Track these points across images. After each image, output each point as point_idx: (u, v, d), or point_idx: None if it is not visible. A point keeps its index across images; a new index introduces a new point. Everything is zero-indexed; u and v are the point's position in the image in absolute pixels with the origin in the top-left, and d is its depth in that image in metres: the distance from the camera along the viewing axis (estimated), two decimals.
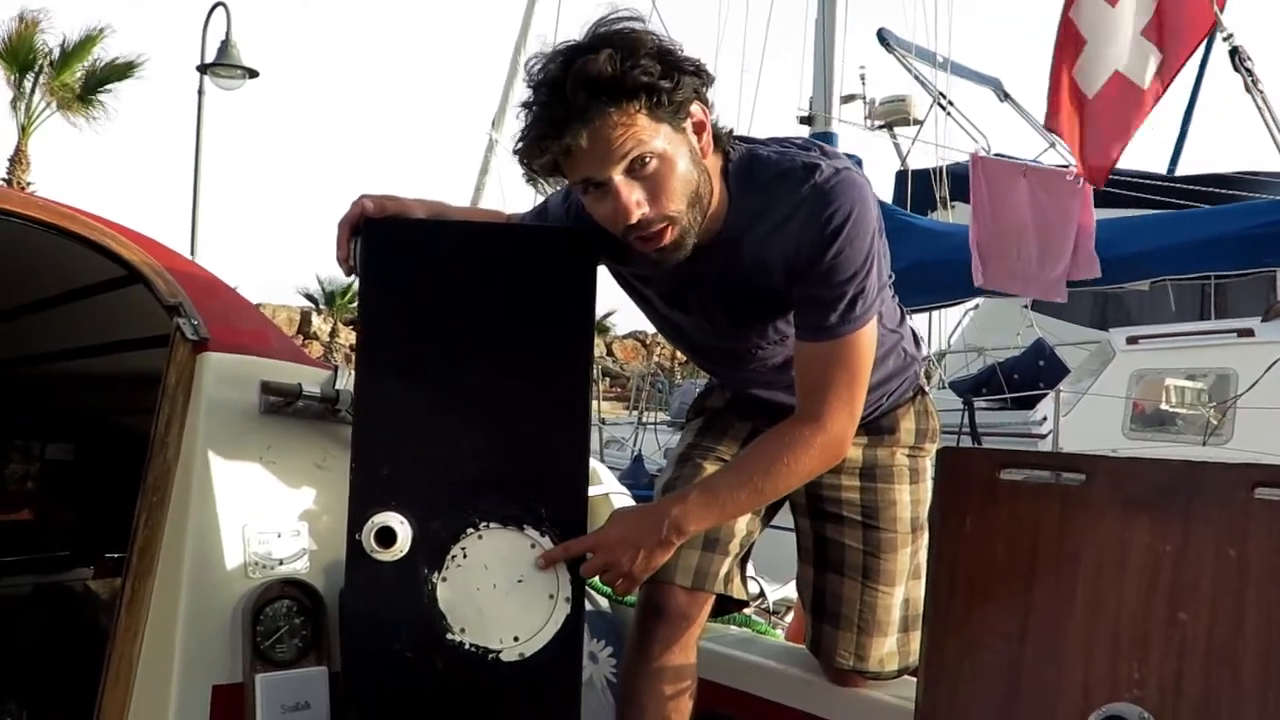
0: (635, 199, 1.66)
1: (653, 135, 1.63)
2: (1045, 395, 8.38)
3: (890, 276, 1.97)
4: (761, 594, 2.76)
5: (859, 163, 8.80)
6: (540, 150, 1.65)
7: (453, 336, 1.81)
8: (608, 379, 20.06)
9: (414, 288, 1.81)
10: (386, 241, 1.80)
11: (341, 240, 1.80)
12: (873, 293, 1.76)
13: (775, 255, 1.76)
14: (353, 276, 1.83)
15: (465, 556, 1.77)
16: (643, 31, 1.64)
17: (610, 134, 1.61)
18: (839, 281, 1.73)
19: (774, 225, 1.75)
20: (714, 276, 1.83)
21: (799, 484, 1.91)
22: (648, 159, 1.64)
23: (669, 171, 1.66)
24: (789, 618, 2.74)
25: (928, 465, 2.14)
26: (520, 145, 1.68)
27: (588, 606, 2.49)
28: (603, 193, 1.67)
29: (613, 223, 1.69)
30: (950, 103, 10.85)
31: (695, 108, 1.69)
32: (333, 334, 23.19)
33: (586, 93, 1.59)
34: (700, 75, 1.69)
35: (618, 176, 1.65)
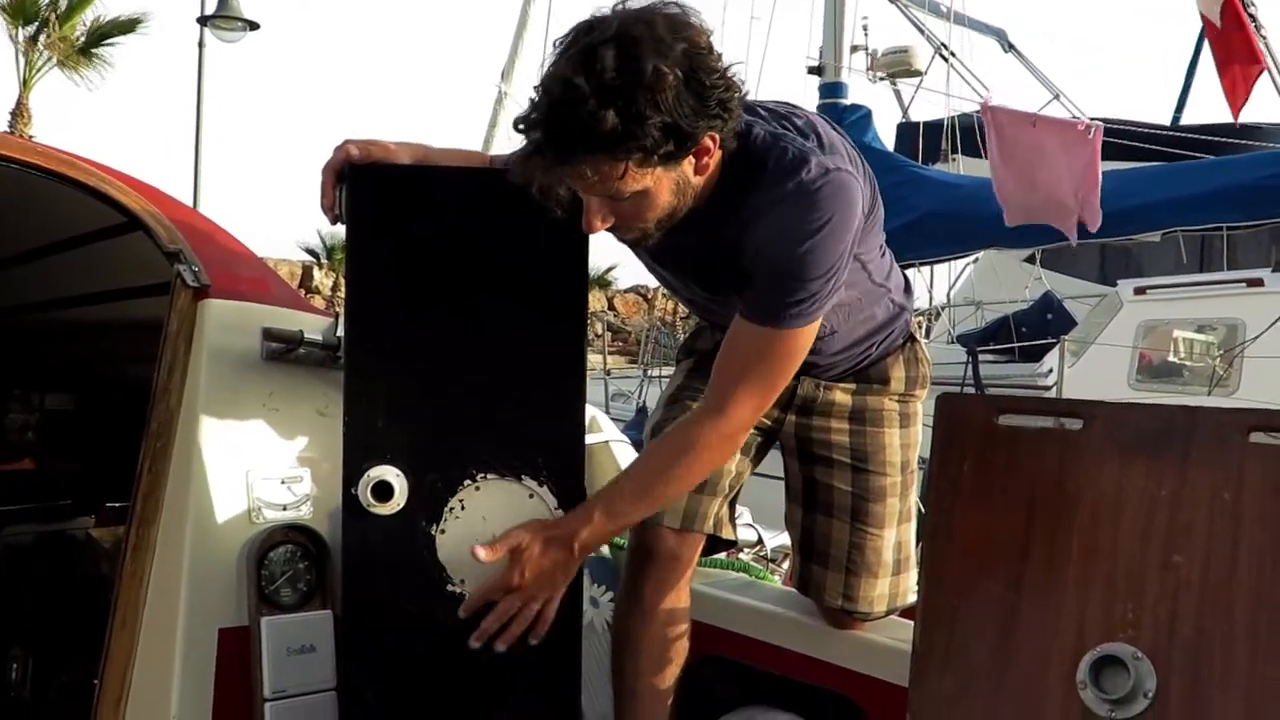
0: (600, 217, 1.65)
1: (638, 180, 1.59)
2: (1053, 347, 8.37)
3: (881, 235, 1.96)
4: (760, 541, 2.78)
5: (868, 115, 8.75)
6: (533, 176, 1.63)
7: (443, 284, 1.79)
8: (610, 333, 20.05)
9: (402, 235, 1.78)
10: (372, 188, 1.77)
11: (326, 187, 1.77)
12: (825, 297, 1.73)
13: (748, 238, 1.74)
14: (339, 224, 1.80)
15: (463, 508, 1.77)
16: (669, 70, 1.51)
17: (595, 175, 1.58)
18: (796, 279, 1.70)
19: (753, 211, 1.72)
20: (692, 246, 1.82)
21: (698, 481, 1.89)
22: (626, 195, 1.61)
23: (646, 205, 1.64)
24: (786, 564, 2.75)
25: (918, 410, 2.15)
26: (516, 166, 1.65)
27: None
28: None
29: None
30: (952, 53, 10.76)
31: (705, 140, 1.62)
32: (335, 288, 23.13)
33: (582, 146, 1.54)
34: (725, 109, 1.60)
35: (592, 199, 1.64)
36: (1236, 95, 7.10)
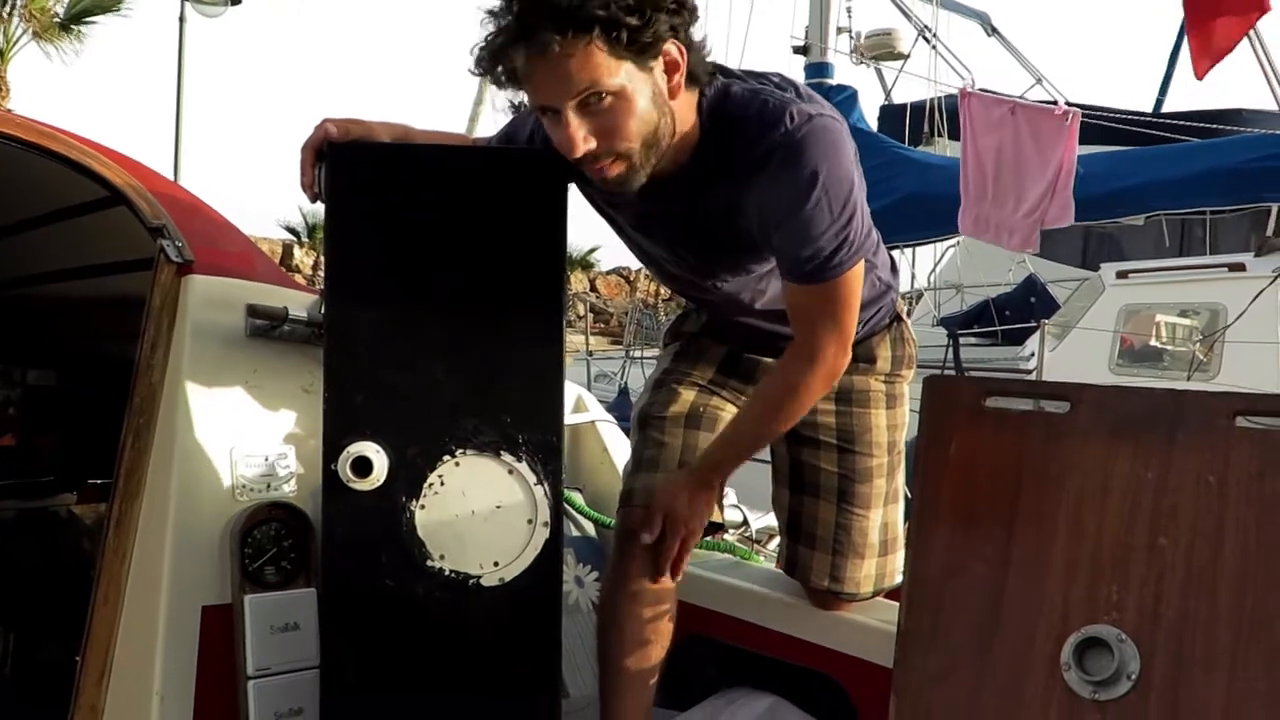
0: (582, 134, 1.61)
1: (610, 72, 1.57)
2: (1035, 330, 8.39)
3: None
4: (745, 522, 2.79)
5: (854, 96, 8.74)
6: (494, 66, 1.61)
7: (422, 261, 1.78)
8: (592, 314, 20.05)
9: (381, 212, 1.77)
10: (351, 166, 1.76)
11: (305, 166, 1.76)
12: (858, 235, 1.73)
13: (749, 200, 1.73)
14: (319, 203, 1.78)
15: (443, 484, 1.77)
16: None
17: (563, 66, 1.55)
18: (818, 234, 1.70)
19: (746, 171, 1.71)
20: (682, 211, 1.81)
21: (809, 408, 1.95)
22: (603, 95, 1.59)
23: (625, 110, 1.61)
24: (772, 545, 2.76)
25: (904, 390, 2.15)
26: (477, 57, 1.63)
27: (574, 531, 2.52)
28: (556, 119, 1.63)
29: (561, 150, 1.66)
30: (935, 36, 10.75)
31: (670, 46, 1.62)
32: (315, 266, 23.02)
33: (540, 19, 1.53)
34: (681, 12, 1.62)
35: (569, 109, 1.60)
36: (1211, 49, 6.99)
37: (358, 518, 1.76)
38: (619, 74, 1.58)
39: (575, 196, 1.87)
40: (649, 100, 1.63)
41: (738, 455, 1.96)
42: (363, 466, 1.74)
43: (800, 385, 1.87)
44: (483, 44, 1.61)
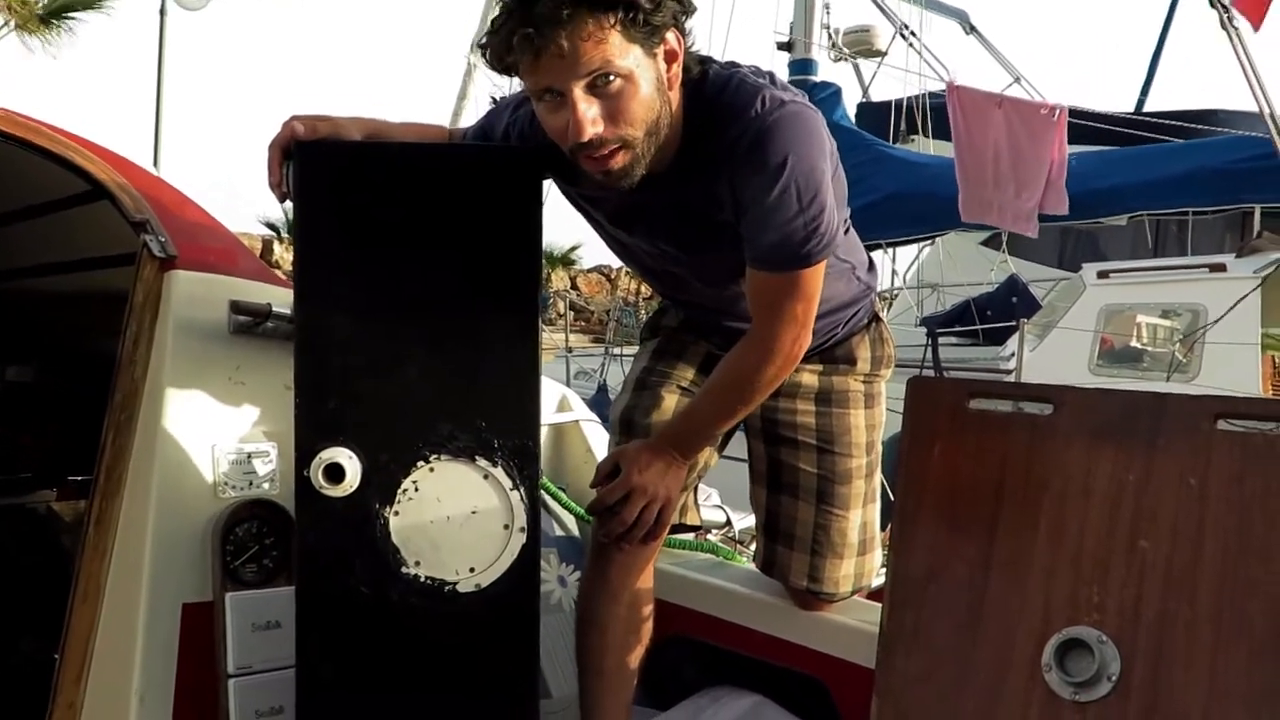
0: (591, 116, 1.60)
1: (622, 54, 1.57)
2: (1015, 331, 8.41)
3: (845, 210, 1.96)
4: (728, 522, 2.79)
5: (837, 93, 8.76)
6: (508, 47, 1.58)
7: (394, 262, 1.75)
8: (573, 312, 20.02)
9: (351, 212, 1.75)
10: (320, 165, 1.73)
11: (273, 165, 1.73)
12: (829, 228, 1.72)
13: (723, 188, 1.73)
14: (288, 202, 1.76)
15: (417, 490, 1.75)
16: None
17: (580, 43, 1.55)
18: (785, 220, 1.69)
19: (720, 158, 1.70)
20: (662, 205, 1.80)
21: (770, 392, 1.95)
22: (612, 77, 1.58)
23: (631, 93, 1.61)
24: (754, 546, 2.77)
25: (882, 389, 2.16)
26: (489, 38, 1.61)
27: (557, 531, 2.51)
28: (559, 104, 1.61)
29: (564, 137, 1.64)
30: (913, 34, 10.77)
31: (671, 35, 1.63)
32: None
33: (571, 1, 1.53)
34: (683, 2, 1.64)
35: (578, 90, 1.59)
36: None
37: (331, 524, 1.73)
38: (628, 57, 1.58)
39: (557, 194, 1.85)
40: (653, 86, 1.63)
41: (692, 439, 1.97)
42: (335, 473, 1.71)
43: (755, 375, 1.86)
44: (500, 24, 1.58)
